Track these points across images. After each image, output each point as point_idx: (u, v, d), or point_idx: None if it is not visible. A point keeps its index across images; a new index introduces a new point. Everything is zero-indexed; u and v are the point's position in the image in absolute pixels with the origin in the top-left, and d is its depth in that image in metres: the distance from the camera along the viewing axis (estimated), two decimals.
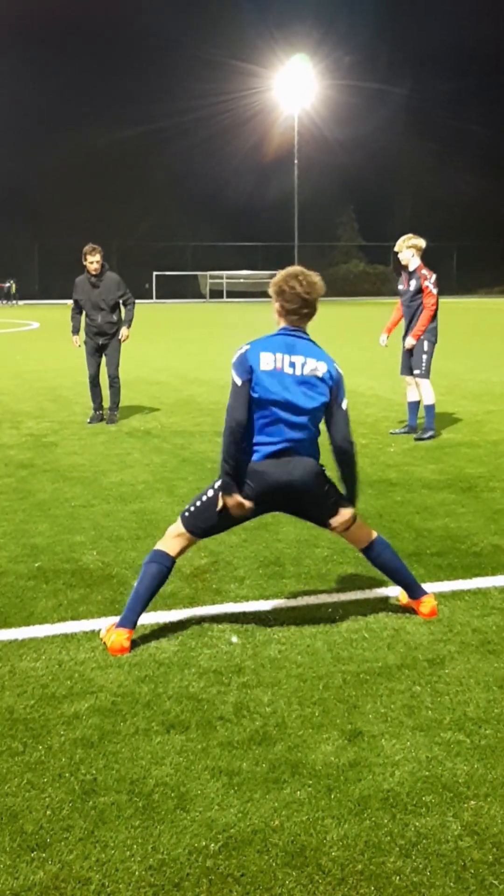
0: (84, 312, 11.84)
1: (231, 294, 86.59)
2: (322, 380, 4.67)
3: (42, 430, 11.28)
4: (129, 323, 11.80)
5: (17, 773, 3.59)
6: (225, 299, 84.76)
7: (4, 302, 68.51)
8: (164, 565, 4.80)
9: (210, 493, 4.75)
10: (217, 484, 4.71)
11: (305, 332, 4.88)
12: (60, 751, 3.74)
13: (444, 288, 10.93)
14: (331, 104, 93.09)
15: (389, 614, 5.13)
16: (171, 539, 4.85)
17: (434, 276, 10.58)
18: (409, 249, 10.56)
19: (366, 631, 4.92)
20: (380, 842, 3.16)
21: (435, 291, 10.52)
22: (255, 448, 4.63)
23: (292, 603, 5.35)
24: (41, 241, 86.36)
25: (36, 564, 6.05)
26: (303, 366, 4.66)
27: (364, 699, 4.16)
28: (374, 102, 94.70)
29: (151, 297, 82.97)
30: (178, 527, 4.84)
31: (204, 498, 4.77)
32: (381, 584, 5.56)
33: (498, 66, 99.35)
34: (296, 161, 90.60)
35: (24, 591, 5.54)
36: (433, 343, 10.66)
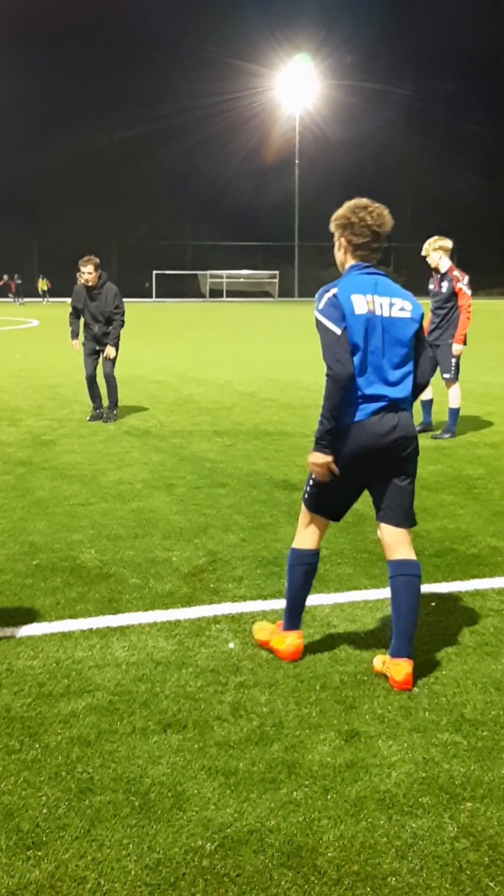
0: (82, 319, 11.85)
1: (231, 293, 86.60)
2: (412, 319, 4.29)
3: (41, 428, 11.27)
4: (114, 340, 11.68)
5: (13, 771, 3.58)
6: (225, 299, 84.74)
7: (20, 301, 68.48)
8: (309, 563, 4.54)
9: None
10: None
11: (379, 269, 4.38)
12: (57, 749, 3.74)
13: None
14: (332, 104, 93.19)
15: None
16: (303, 531, 4.57)
17: (467, 278, 10.56)
18: (436, 252, 10.56)
19: (363, 632, 4.92)
20: (376, 843, 3.16)
21: (469, 292, 10.50)
22: (357, 405, 4.25)
23: None
24: (41, 240, 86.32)
25: (34, 562, 6.05)
26: (391, 306, 4.26)
27: (361, 700, 4.16)
28: (376, 103, 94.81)
29: (151, 297, 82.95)
30: (303, 514, 4.57)
31: (313, 475, 4.41)
32: (378, 585, 5.56)
33: (499, 66, 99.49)
34: (297, 161, 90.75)
35: (22, 589, 5.54)
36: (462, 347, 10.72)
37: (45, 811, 3.33)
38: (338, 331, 4.19)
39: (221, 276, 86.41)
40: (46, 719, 3.98)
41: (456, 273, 10.55)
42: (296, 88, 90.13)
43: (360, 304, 4.19)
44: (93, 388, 11.91)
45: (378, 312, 4.22)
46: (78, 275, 11.47)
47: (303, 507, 4.57)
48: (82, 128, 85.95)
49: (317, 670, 4.46)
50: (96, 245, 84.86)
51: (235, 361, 20.45)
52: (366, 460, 4.28)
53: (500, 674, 4.44)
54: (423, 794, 3.43)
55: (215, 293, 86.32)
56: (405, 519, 4.42)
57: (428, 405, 11.05)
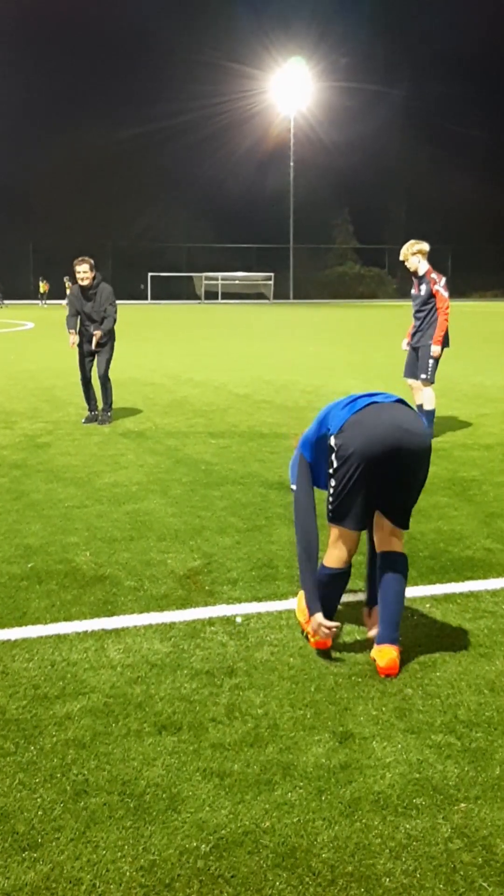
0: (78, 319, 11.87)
1: (226, 295, 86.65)
2: None
3: (36, 430, 11.27)
4: (105, 330, 11.73)
5: (8, 773, 3.59)
6: (220, 300, 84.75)
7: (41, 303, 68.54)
8: (342, 583, 4.70)
9: (332, 481, 4.50)
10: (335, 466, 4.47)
11: None
12: (52, 751, 3.75)
13: None
14: (326, 107, 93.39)
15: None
16: (333, 548, 4.65)
17: (444, 280, 10.63)
18: (415, 256, 10.59)
19: (357, 633, 4.93)
20: (370, 844, 3.17)
21: (446, 294, 10.57)
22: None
23: (285, 605, 5.35)
24: (35, 241, 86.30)
25: (29, 565, 6.06)
26: None
27: (356, 701, 4.17)
28: (370, 105, 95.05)
29: (146, 298, 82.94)
30: (332, 530, 4.63)
31: (332, 483, 4.51)
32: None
33: (493, 69, 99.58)
34: (291, 163, 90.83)
35: (17, 592, 5.54)
36: (442, 349, 10.72)
37: (40, 813, 3.34)
38: None
39: (216, 278, 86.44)
40: (42, 721, 3.99)
41: (433, 275, 10.60)
42: (290, 91, 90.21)
43: None
44: (88, 390, 11.94)
45: None
46: (66, 279, 11.51)
47: (330, 525, 4.64)
48: (77, 129, 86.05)
49: (311, 672, 4.47)
50: (91, 246, 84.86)
51: (230, 363, 20.47)
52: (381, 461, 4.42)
53: (493, 675, 4.46)
54: (417, 795, 3.45)
55: (210, 295, 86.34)
56: (406, 519, 4.63)
57: (418, 410, 11.07)
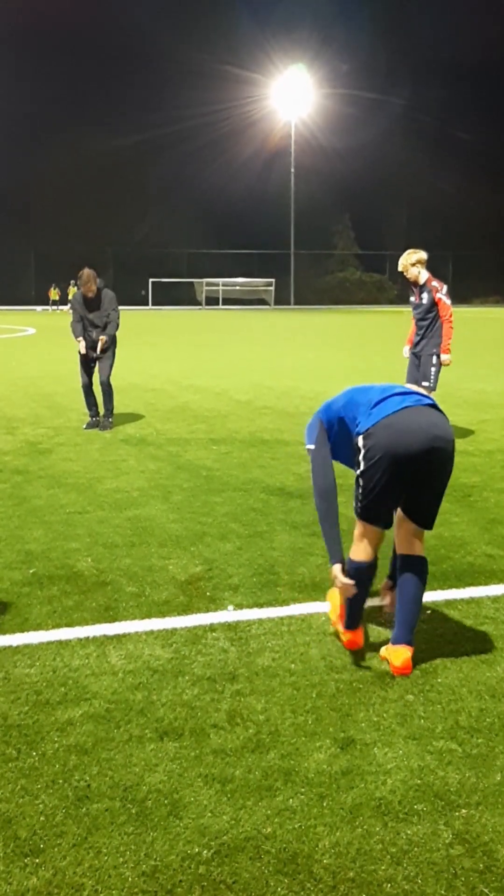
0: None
1: (227, 301, 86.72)
2: None
3: (37, 436, 11.29)
4: (108, 335, 11.80)
5: (10, 779, 3.60)
6: (221, 306, 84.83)
7: (51, 309, 68.56)
8: (367, 575, 4.72)
9: (361, 480, 4.53)
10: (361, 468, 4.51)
11: None
12: (54, 757, 3.75)
13: None
14: (327, 113, 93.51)
15: (383, 622, 5.14)
16: (359, 543, 4.70)
17: (445, 287, 10.65)
18: (414, 266, 10.59)
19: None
20: (371, 849, 3.18)
21: (448, 302, 10.60)
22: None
23: (286, 611, 5.36)
24: (37, 247, 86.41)
25: (30, 571, 6.07)
26: None
27: (357, 707, 4.18)
28: (371, 112, 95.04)
29: (147, 304, 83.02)
30: (358, 525, 4.69)
31: (361, 483, 4.54)
32: (373, 593, 5.57)
33: (494, 76, 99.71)
34: (292, 169, 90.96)
35: (19, 598, 5.55)
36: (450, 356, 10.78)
37: (42, 819, 3.35)
38: None
39: (217, 284, 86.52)
40: (43, 727, 4.00)
41: (434, 283, 10.62)
42: (291, 97, 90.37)
43: None
44: (89, 395, 11.95)
45: None
46: (72, 283, 11.58)
47: (357, 520, 4.69)
48: (78, 135, 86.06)
49: (312, 678, 4.47)
50: (92, 253, 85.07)
51: (231, 369, 20.49)
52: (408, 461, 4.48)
53: (495, 681, 4.46)
54: (419, 801, 3.45)
55: (211, 301, 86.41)
56: (431, 520, 4.69)
57: None
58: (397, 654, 4.55)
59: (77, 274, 11.60)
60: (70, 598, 5.56)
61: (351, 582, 4.58)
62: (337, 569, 4.61)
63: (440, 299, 10.56)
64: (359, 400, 4.71)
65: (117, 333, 11.93)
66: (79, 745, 3.84)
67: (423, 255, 10.66)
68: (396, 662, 4.53)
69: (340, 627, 4.86)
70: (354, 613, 4.76)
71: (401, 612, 4.64)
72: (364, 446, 4.48)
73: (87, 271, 11.58)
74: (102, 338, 11.70)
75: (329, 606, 5.13)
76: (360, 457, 4.51)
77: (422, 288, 10.68)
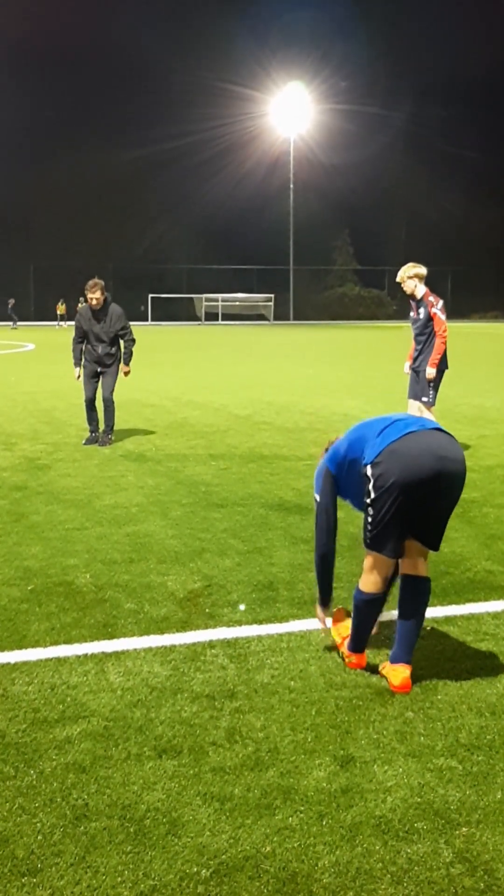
0: (85, 341, 11.92)
1: (226, 317, 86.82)
2: None
3: (36, 452, 11.28)
4: (128, 359, 11.98)
5: (8, 797, 3.57)
6: (220, 322, 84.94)
7: (58, 325, 68.65)
8: (377, 607, 4.75)
9: (371, 510, 4.50)
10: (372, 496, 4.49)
11: None
12: (52, 775, 3.73)
13: None
14: (326, 129, 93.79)
15: (382, 639, 5.13)
16: (369, 574, 4.66)
17: (441, 302, 10.67)
18: (411, 279, 10.61)
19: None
20: (371, 868, 3.16)
21: (444, 318, 10.61)
22: None
23: (285, 628, 5.35)
24: (37, 262, 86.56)
25: (29, 587, 6.05)
26: None
27: (357, 725, 4.16)
28: (369, 128, 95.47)
29: (147, 320, 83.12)
30: (368, 556, 4.65)
31: (371, 512, 4.51)
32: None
33: (492, 92, 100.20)
34: (291, 185, 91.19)
35: (17, 615, 5.53)
36: (442, 371, 10.77)
37: (39, 838, 3.32)
38: None
39: (217, 300, 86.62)
40: (41, 745, 3.97)
41: (430, 298, 10.63)
42: (290, 113, 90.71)
43: None
44: (91, 411, 11.94)
45: None
46: (88, 298, 11.59)
47: (366, 550, 4.66)
48: (78, 151, 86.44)
49: (312, 695, 4.46)
50: (92, 268, 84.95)
51: (230, 384, 20.50)
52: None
53: (495, 698, 4.44)
54: (419, 820, 3.43)
55: (211, 316, 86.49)
56: (438, 541, 4.64)
57: None
58: (396, 674, 4.54)
59: (85, 288, 11.66)
60: (68, 614, 5.54)
61: (328, 626, 4.93)
62: (320, 611, 4.94)
63: (435, 314, 10.58)
64: (364, 434, 4.70)
65: (117, 351, 11.94)
66: (77, 764, 3.82)
67: (422, 269, 10.68)
68: (395, 682, 4.52)
69: (345, 650, 4.85)
70: (362, 639, 4.77)
71: (401, 630, 4.63)
72: (373, 475, 4.45)
73: (94, 280, 11.65)
74: (125, 369, 11.91)
75: (330, 623, 5.11)
76: (370, 486, 4.47)
77: (419, 303, 10.70)
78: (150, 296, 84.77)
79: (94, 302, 11.61)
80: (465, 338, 46.66)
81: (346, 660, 4.81)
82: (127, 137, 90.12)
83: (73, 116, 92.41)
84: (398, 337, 44.66)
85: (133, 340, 11.99)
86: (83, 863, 3.18)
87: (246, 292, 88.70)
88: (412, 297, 10.77)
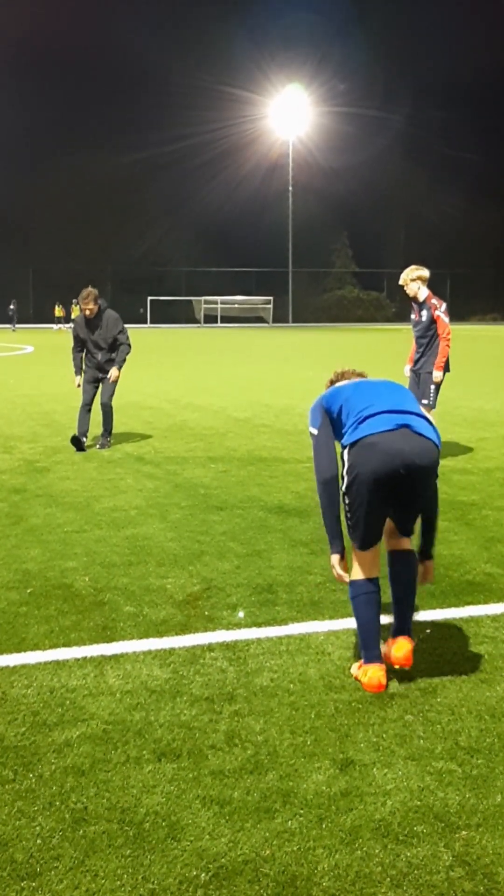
0: (85, 350, 11.91)
1: (225, 319, 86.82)
2: None
3: (35, 454, 11.27)
4: (119, 364, 11.95)
5: (7, 801, 3.57)
6: (219, 324, 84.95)
7: (56, 327, 68.69)
8: (367, 591, 4.69)
9: (346, 498, 4.62)
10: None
11: None
12: (51, 779, 3.73)
13: None
14: (325, 132, 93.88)
15: (382, 643, 5.11)
16: (354, 563, 4.75)
17: (444, 305, 10.67)
18: (414, 282, 10.61)
19: (358, 659, 4.91)
20: (371, 872, 3.15)
21: (447, 320, 10.61)
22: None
23: (285, 630, 5.34)
24: (35, 265, 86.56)
25: (28, 590, 6.04)
26: None
27: (356, 728, 4.15)
28: (368, 130, 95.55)
29: (146, 322, 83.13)
30: (352, 546, 4.75)
31: (346, 500, 4.62)
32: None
33: (491, 95, 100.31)
34: (290, 188, 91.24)
35: (16, 618, 5.53)
36: (442, 377, 10.77)
37: (39, 841, 3.32)
38: None
39: (216, 302, 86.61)
40: (40, 749, 3.97)
41: (434, 301, 10.63)
42: (289, 116, 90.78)
43: None
44: (86, 415, 11.87)
45: None
46: (74, 302, 11.63)
47: (351, 541, 4.74)
48: (77, 154, 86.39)
49: (311, 699, 4.45)
50: (91, 271, 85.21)
51: (229, 387, 20.50)
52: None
53: (494, 701, 4.44)
54: (419, 823, 3.43)
55: (210, 319, 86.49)
56: (410, 528, 4.85)
57: None
58: (398, 647, 4.60)
59: (79, 292, 11.66)
60: (67, 617, 5.53)
61: (345, 575, 4.68)
62: (335, 559, 4.69)
63: (438, 317, 10.57)
64: (354, 406, 4.71)
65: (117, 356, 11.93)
66: (76, 767, 3.81)
67: (425, 272, 10.68)
68: (398, 654, 4.56)
69: (361, 669, 4.64)
70: (369, 638, 4.63)
71: (396, 604, 4.76)
72: (347, 462, 4.58)
73: (87, 289, 11.66)
74: (115, 372, 11.86)
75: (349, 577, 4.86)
76: (344, 471, 4.61)
77: (421, 305, 10.70)
78: (150, 298, 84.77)
79: (88, 312, 11.61)
80: (464, 340, 46.68)
81: (363, 678, 4.56)
82: (126, 140, 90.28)
83: (72, 119, 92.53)
84: (397, 339, 44.65)
85: (128, 347, 11.97)
86: (82, 866, 3.17)
87: (245, 295, 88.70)
88: (414, 299, 10.77)
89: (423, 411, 4.92)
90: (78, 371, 12.06)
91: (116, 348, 11.85)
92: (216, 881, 3.10)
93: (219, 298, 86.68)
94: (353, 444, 4.55)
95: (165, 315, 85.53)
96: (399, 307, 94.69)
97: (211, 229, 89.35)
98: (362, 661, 4.65)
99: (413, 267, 10.75)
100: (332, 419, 4.84)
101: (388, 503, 4.59)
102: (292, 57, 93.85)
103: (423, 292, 10.66)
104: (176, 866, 3.18)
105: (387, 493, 4.51)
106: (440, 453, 4.69)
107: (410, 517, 4.78)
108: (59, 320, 69.78)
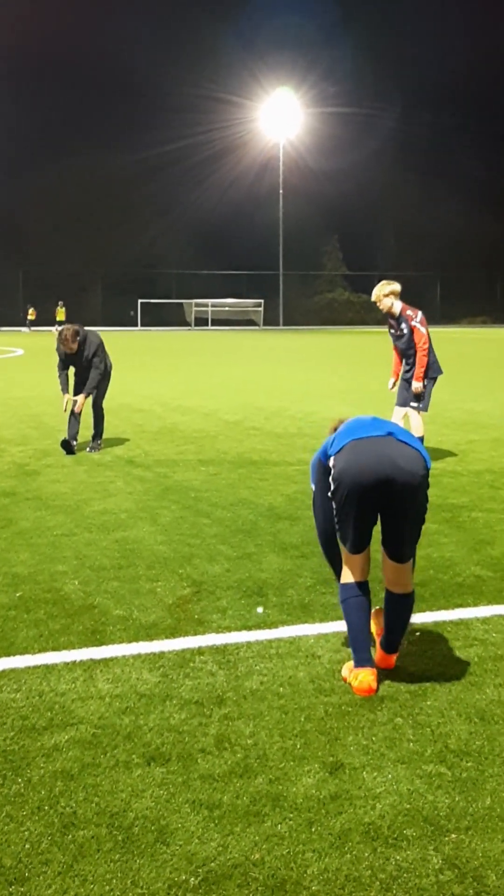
0: (70, 368, 11.80)
1: (216, 322, 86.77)
2: None
3: (24, 457, 11.25)
4: (87, 392, 11.65)
5: None
6: (210, 327, 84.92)
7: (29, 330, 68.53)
8: (355, 595, 4.72)
9: (333, 503, 4.70)
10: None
11: None
12: (40, 783, 3.71)
13: (428, 318, 10.93)
14: (315, 135, 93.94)
15: (371, 646, 5.11)
16: (345, 566, 4.82)
17: (420, 314, 10.58)
18: (387, 297, 10.51)
19: (348, 662, 4.91)
20: (360, 876, 3.15)
21: (424, 330, 10.50)
22: None
23: (274, 634, 5.34)
24: (26, 268, 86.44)
25: (17, 594, 6.03)
26: None
27: (346, 731, 4.15)
28: (359, 134, 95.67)
29: (136, 325, 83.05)
30: (343, 551, 4.84)
31: (333, 504, 4.70)
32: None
33: (482, 99, 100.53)
34: (281, 191, 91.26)
35: (5, 622, 5.51)
36: (433, 378, 10.78)
37: (27, 846, 3.31)
38: None
39: (206, 305, 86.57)
40: (29, 753, 3.96)
41: (409, 312, 10.53)
42: (280, 119, 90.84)
43: None
44: (75, 418, 11.82)
45: None
46: (60, 304, 11.53)
47: (341, 545, 4.83)
48: (68, 157, 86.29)
49: (301, 702, 4.45)
50: (81, 273, 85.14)
51: (220, 390, 20.49)
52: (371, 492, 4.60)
53: (484, 704, 4.44)
54: (408, 826, 3.42)
55: (200, 322, 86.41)
56: (399, 552, 4.72)
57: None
58: (379, 658, 4.82)
59: (62, 298, 11.60)
60: (57, 621, 5.52)
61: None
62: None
63: (415, 327, 10.45)
64: (343, 431, 4.82)
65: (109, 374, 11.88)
66: (65, 771, 3.80)
67: (396, 286, 10.57)
68: (375, 656, 4.76)
69: (352, 673, 4.65)
70: (359, 642, 4.65)
71: (386, 635, 4.83)
72: (332, 466, 4.66)
73: (65, 331, 11.41)
74: (80, 399, 11.60)
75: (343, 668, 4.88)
76: (331, 477, 4.67)
77: (399, 319, 10.60)
78: (140, 301, 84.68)
79: (70, 351, 11.47)
80: (455, 343, 46.75)
81: (354, 682, 4.56)
82: (118, 143, 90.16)
83: (64, 122, 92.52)
84: (387, 342, 44.63)
85: (100, 373, 11.64)
86: (71, 871, 3.16)
87: (235, 297, 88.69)
88: (390, 314, 10.68)
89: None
90: (64, 389, 11.87)
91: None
92: (205, 885, 3.09)
93: (209, 301, 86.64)
94: (336, 452, 4.64)
95: (156, 318, 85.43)
96: None
97: (202, 232, 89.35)
98: (353, 664, 4.65)
99: (383, 283, 10.62)
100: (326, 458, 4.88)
101: (374, 508, 4.62)
102: (283, 60, 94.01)
103: (397, 306, 10.55)
104: (165, 870, 3.17)
105: (373, 497, 4.54)
106: (429, 469, 4.69)
107: (397, 531, 4.66)
108: (32, 323, 68.90)
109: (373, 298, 10.72)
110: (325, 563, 5.15)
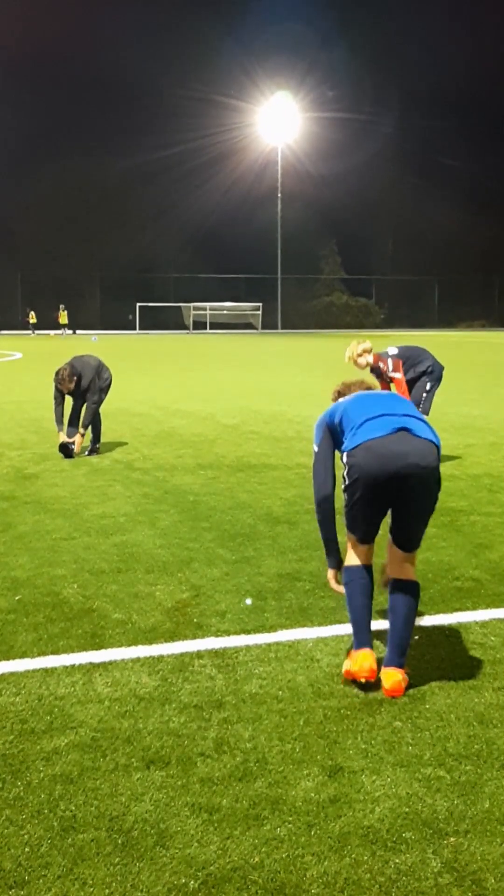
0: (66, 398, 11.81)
1: (214, 325, 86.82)
2: None
3: (23, 461, 11.25)
4: (84, 427, 11.61)
5: None
6: (208, 331, 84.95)
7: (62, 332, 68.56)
8: (360, 578, 4.77)
9: (345, 496, 4.74)
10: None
11: None
12: (39, 787, 3.72)
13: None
14: (314, 138, 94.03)
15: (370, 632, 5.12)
16: (349, 550, 4.86)
17: (391, 362, 10.32)
18: (361, 357, 10.25)
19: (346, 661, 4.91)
20: (360, 879, 3.15)
21: (399, 376, 10.23)
22: None
23: (273, 637, 5.34)
24: (24, 272, 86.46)
25: (16, 598, 6.03)
26: None
27: (345, 735, 4.16)
28: (357, 137, 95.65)
29: (135, 329, 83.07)
30: (348, 537, 4.87)
31: (345, 497, 4.74)
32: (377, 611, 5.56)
33: (479, 102, 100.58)
34: (279, 194, 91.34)
35: (4, 625, 5.52)
36: (434, 385, 10.85)
37: (27, 849, 3.31)
38: None
39: (205, 308, 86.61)
40: (29, 757, 3.96)
41: (381, 364, 10.29)
42: (278, 123, 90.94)
43: None
44: (71, 419, 11.80)
45: None
46: (62, 308, 11.53)
47: (346, 531, 4.89)
48: (66, 161, 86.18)
49: (300, 705, 4.45)
50: (79, 277, 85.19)
51: (219, 394, 20.49)
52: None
53: (483, 707, 4.45)
54: (407, 830, 3.43)
55: (199, 325, 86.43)
56: (411, 544, 4.79)
57: None
58: (388, 677, 4.56)
59: (67, 299, 11.58)
60: (56, 625, 5.53)
61: (341, 590, 4.84)
62: (331, 574, 4.94)
63: (394, 378, 10.25)
64: (353, 416, 4.84)
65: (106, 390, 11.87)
66: (64, 775, 3.81)
67: (367, 344, 10.22)
68: (387, 685, 4.54)
69: (351, 657, 4.68)
70: (359, 623, 4.69)
71: (392, 635, 4.68)
72: (346, 464, 4.68)
73: (62, 371, 11.42)
74: (78, 441, 11.57)
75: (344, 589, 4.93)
76: (344, 473, 4.71)
77: (378, 372, 10.43)
78: (138, 305, 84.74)
79: (67, 391, 11.51)
80: (453, 347, 46.78)
81: (352, 667, 4.60)
82: (115, 147, 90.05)
83: (61, 126, 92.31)
84: (385, 346, 44.63)
85: (95, 403, 11.62)
86: (71, 875, 3.17)
87: (234, 301, 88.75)
88: (372, 371, 10.52)
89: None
90: (59, 425, 11.72)
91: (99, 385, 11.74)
92: (205, 889, 3.10)
93: (208, 305, 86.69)
94: (352, 449, 4.65)
95: (154, 321, 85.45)
96: (388, 314, 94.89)
97: (200, 236, 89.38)
98: (352, 648, 4.69)
99: (353, 345, 10.31)
100: (333, 432, 4.97)
101: (386, 505, 4.72)
102: (281, 64, 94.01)
103: (371, 359, 10.29)
104: (165, 874, 3.17)
105: (386, 495, 4.63)
106: (440, 455, 4.73)
107: (409, 524, 4.73)
108: (34, 326, 68.83)
109: (346, 361, 10.37)
110: (320, 527, 5.01)
